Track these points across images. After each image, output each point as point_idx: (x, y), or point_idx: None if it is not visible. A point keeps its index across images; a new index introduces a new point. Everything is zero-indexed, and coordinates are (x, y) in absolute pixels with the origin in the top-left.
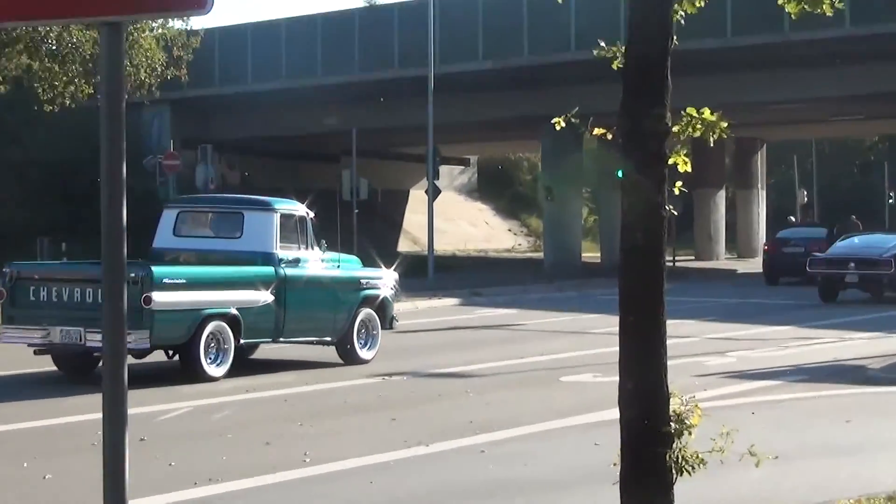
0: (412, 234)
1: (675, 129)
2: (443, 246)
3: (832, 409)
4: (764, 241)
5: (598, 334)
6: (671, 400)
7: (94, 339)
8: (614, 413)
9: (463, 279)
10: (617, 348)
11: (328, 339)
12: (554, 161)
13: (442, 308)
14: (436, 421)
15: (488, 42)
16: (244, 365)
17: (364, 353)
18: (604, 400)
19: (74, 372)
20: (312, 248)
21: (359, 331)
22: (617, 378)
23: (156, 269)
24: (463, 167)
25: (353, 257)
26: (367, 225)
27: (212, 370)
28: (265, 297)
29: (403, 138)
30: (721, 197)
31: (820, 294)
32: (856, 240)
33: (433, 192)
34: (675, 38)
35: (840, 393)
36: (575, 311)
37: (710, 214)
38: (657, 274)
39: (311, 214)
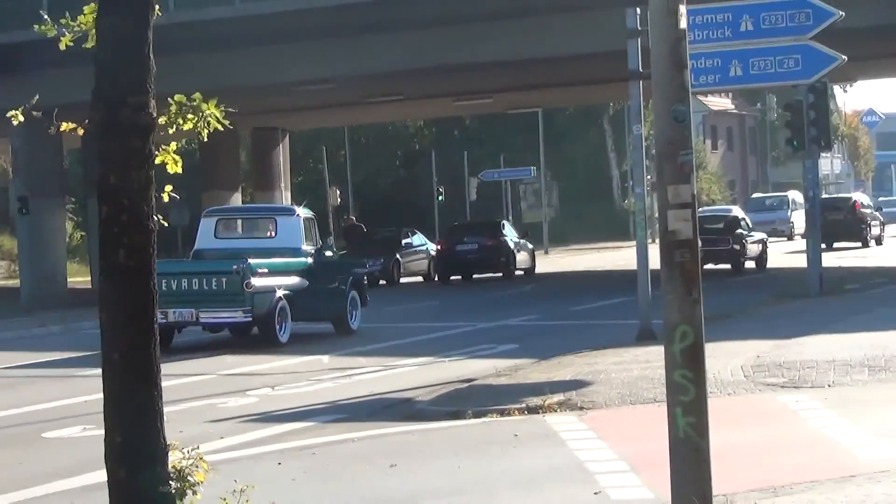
0: None
1: (161, 120)
2: None
3: (375, 453)
4: None
5: (90, 377)
6: (171, 453)
7: (207, 316)
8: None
9: None
10: None
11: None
12: (29, 165)
13: None
14: None
15: None
16: None
17: (353, 325)
18: (96, 458)
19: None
20: (319, 243)
21: (350, 307)
22: None
23: (251, 261)
24: None
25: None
26: None
27: (282, 337)
28: (303, 283)
29: None
30: (237, 201)
31: None
32: None
33: None
34: (157, 6)
35: (384, 432)
36: (58, 349)
37: None
38: (146, 299)
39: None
